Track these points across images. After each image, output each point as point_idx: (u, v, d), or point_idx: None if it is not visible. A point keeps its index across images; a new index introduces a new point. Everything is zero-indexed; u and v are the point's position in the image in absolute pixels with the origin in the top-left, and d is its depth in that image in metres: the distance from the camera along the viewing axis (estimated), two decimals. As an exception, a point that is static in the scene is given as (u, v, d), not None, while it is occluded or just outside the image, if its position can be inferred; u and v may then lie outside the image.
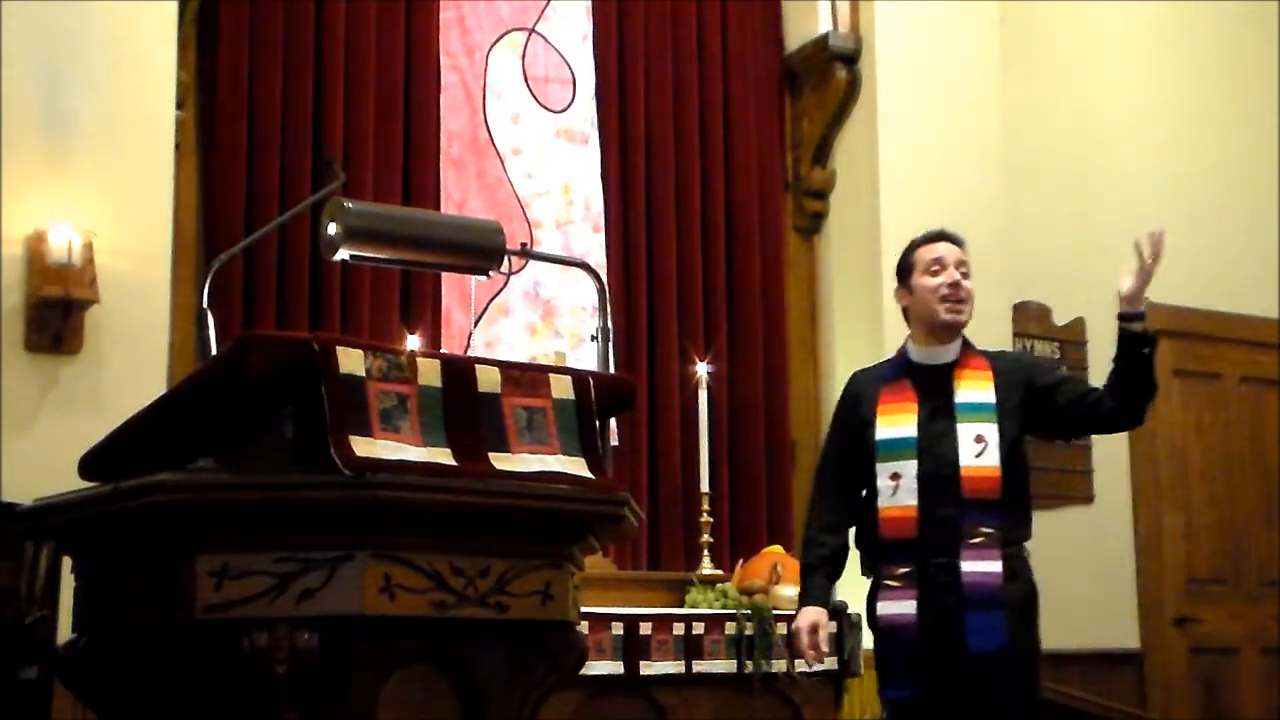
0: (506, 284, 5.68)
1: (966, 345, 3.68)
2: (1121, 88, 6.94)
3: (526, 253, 4.05)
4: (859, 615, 5.23)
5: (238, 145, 5.22)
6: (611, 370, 3.42)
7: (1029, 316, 6.54)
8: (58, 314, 4.49)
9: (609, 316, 3.41)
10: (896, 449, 3.56)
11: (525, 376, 2.42)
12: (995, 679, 3.45)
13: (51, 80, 4.60)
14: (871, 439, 3.59)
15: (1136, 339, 3.53)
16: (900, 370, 3.69)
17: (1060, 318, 6.68)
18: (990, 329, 6.16)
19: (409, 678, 2.28)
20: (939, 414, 3.57)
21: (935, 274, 3.62)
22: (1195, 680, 6.73)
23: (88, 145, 4.63)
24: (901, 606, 3.51)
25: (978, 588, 3.47)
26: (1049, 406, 3.63)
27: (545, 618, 2.39)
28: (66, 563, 2.98)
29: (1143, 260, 3.47)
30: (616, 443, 5.49)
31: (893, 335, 5.76)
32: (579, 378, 2.47)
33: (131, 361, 4.58)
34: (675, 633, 4.78)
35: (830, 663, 4.32)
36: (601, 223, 5.90)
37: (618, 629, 4.71)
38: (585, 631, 4.31)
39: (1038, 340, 6.57)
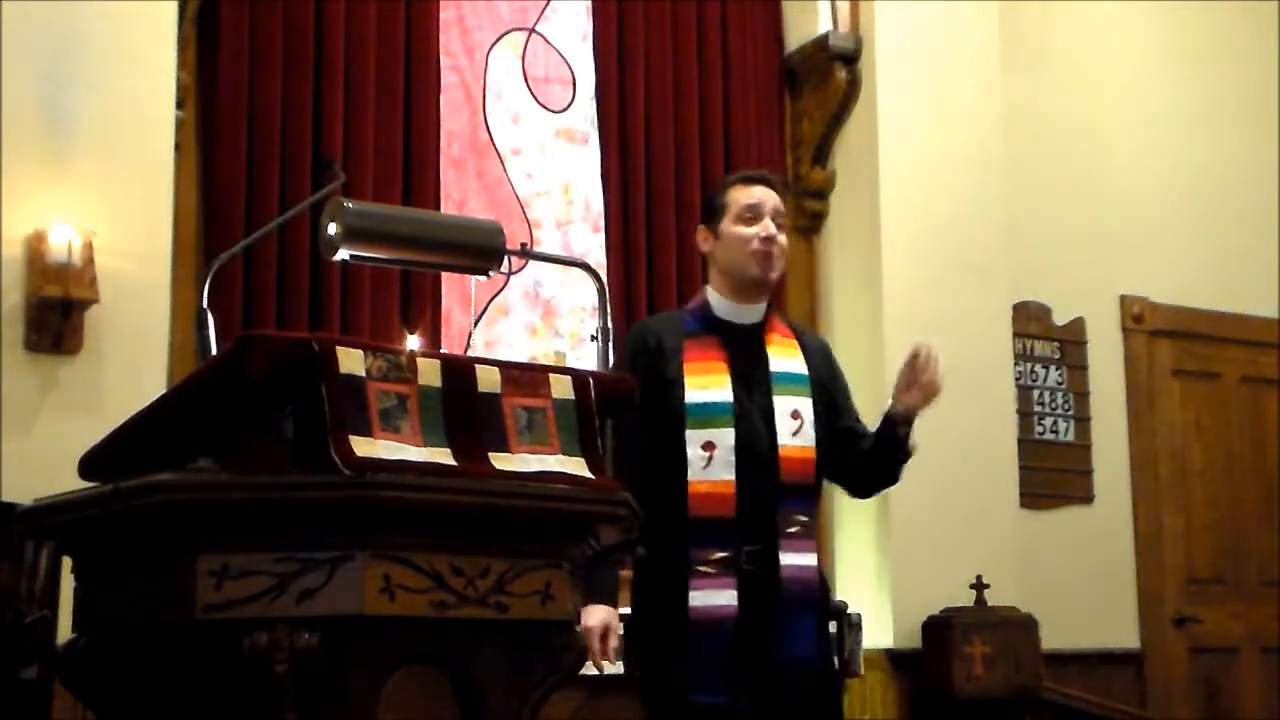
0: (506, 284, 5.68)
1: (770, 305, 3.38)
2: (1121, 88, 6.94)
3: (526, 253, 4.04)
4: (859, 615, 5.25)
5: (238, 145, 5.22)
6: (611, 370, 3.41)
7: (1029, 316, 6.54)
8: (58, 314, 4.49)
9: (609, 316, 3.41)
10: (710, 415, 3.15)
11: (525, 376, 2.42)
12: (806, 688, 3.13)
13: (51, 80, 4.60)
14: (679, 401, 3.17)
15: (900, 447, 3.26)
16: (705, 325, 3.30)
17: (1060, 318, 6.68)
18: (990, 329, 6.19)
19: (409, 678, 2.28)
20: (753, 381, 3.21)
21: (749, 223, 3.26)
22: (1195, 680, 6.73)
23: (88, 145, 4.63)
24: (720, 597, 3.09)
25: (797, 585, 3.12)
26: (831, 424, 3.29)
27: (545, 618, 2.38)
28: (66, 563, 2.98)
29: (930, 373, 3.17)
30: (616, 443, 5.49)
31: (894, 334, 5.81)
32: (579, 378, 2.47)
33: (131, 361, 4.58)
34: (675, 633, 4.77)
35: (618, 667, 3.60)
36: (601, 223, 5.90)
37: (618, 629, 4.70)
38: (585, 631, 4.30)
39: (1038, 340, 6.57)
